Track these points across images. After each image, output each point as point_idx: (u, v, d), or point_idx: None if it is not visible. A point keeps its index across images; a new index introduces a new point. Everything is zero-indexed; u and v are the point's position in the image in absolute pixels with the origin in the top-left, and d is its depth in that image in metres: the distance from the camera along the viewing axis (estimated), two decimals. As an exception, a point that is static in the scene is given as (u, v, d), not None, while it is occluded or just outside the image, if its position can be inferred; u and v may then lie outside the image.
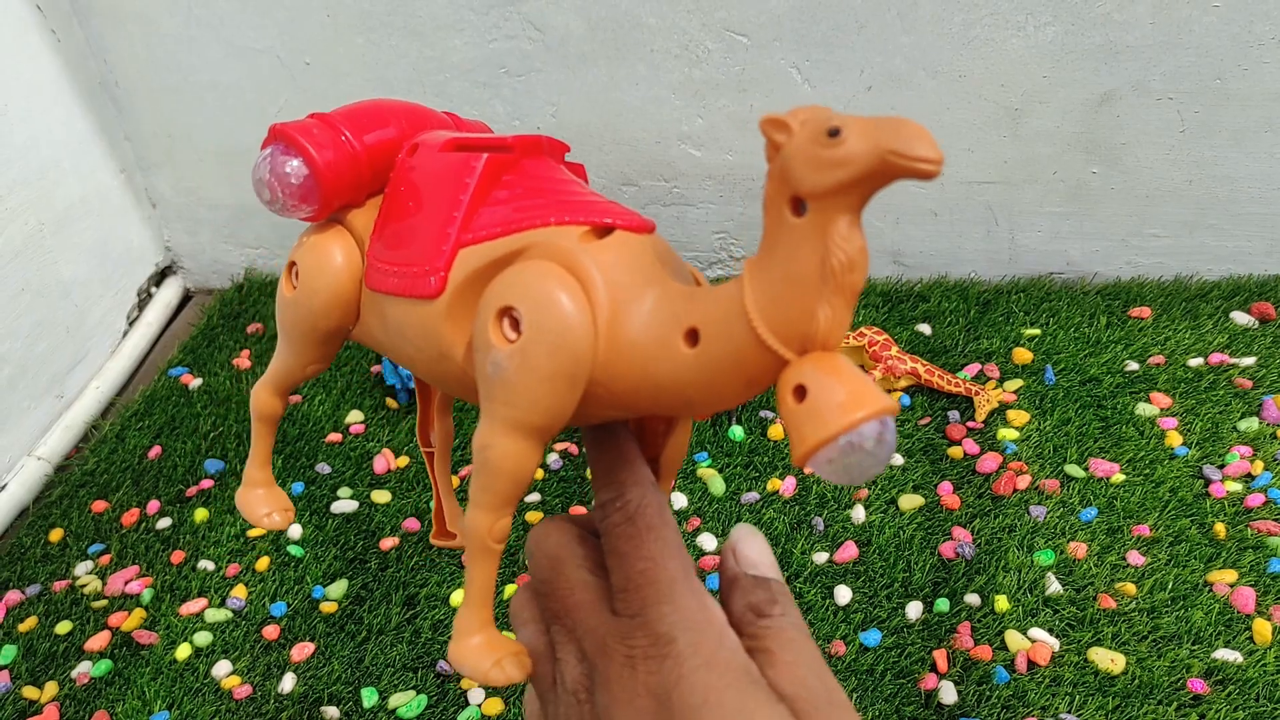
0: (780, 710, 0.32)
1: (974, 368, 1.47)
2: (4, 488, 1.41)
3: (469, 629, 0.37)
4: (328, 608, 1.21)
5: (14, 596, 1.25)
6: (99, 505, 1.37)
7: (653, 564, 0.34)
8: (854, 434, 0.27)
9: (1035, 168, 1.54)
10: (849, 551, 1.22)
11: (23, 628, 1.22)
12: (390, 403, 1.50)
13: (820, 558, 1.21)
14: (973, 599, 1.16)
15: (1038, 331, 1.52)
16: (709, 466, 1.34)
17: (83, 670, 1.16)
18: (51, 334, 1.53)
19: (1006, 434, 1.35)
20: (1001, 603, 1.14)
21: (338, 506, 1.33)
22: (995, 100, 1.47)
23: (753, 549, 0.39)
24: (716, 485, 1.31)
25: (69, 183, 1.56)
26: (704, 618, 0.34)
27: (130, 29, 1.54)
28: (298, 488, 1.36)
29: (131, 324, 1.72)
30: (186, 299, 1.84)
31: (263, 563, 1.27)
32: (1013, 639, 1.11)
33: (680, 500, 1.30)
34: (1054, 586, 1.16)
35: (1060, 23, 1.39)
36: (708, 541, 1.25)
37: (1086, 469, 1.30)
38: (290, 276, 0.42)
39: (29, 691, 1.14)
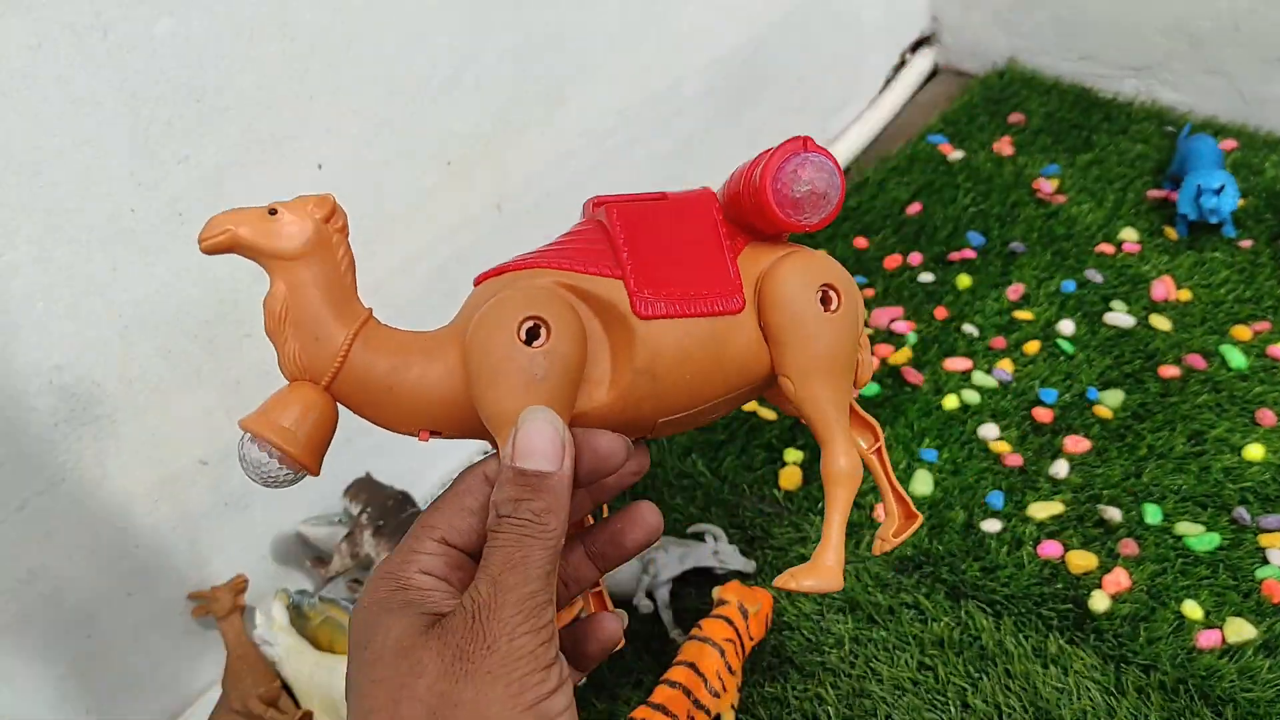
0: None
1: None
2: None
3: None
4: (1102, 412, 1.15)
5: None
6: (860, 241, 1.42)
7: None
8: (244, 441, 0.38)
9: None
10: None
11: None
12: (1169, 232, 1.37)
13: None
14: None
15: None
16: None
17: (854, 384, 1.21)
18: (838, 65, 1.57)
19: None
20: None
21: (1110, 318, 1.26)
22: None
23: (532, 434, 0.35)
24: None
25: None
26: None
27: None
28: (1068, 286, 1.31)
29: (887, 83, 1.73)
30: (933, 74, 1.81)
31: (1032, 346, 1.24)
32: None
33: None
34: None
35: None
36: None
37: None
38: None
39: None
